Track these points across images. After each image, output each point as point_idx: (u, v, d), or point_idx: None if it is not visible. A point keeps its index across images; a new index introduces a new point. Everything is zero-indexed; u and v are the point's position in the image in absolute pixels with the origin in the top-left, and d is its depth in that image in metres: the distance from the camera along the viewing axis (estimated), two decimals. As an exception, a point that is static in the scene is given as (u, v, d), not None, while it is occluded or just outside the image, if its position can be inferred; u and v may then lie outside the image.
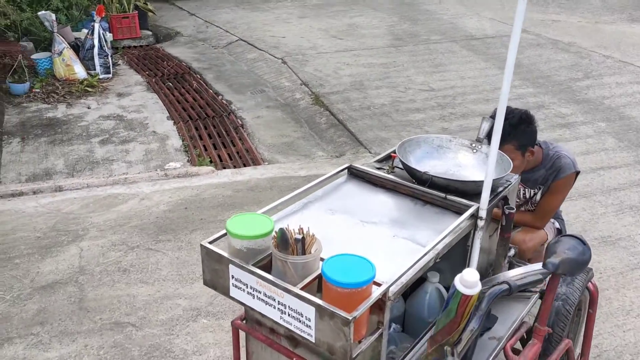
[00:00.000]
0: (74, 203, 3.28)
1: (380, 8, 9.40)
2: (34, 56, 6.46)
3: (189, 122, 5.28)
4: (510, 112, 2.01)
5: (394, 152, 1.74)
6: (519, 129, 2.04)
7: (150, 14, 8.33)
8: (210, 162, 4.43)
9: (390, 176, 1.68)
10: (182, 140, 4.85)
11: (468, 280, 1.20)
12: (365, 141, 4.54)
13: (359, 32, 7.90)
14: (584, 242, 1.58)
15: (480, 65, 6.46)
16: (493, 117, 1.59)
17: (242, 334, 1.45)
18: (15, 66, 6.04)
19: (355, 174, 1.75)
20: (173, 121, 5.29)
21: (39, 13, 6.36)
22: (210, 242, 1.33)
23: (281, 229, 1.25)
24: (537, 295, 1.76)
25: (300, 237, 1.24)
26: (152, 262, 2.74)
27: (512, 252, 1.88)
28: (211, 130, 5.11)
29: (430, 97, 5.51)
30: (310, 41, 7.47)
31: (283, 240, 1.24)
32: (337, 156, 4.36)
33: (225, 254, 1.29)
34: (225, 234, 1.34)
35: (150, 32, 8.09)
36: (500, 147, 1.52)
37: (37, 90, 6.07)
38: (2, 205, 3.25)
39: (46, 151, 4.70)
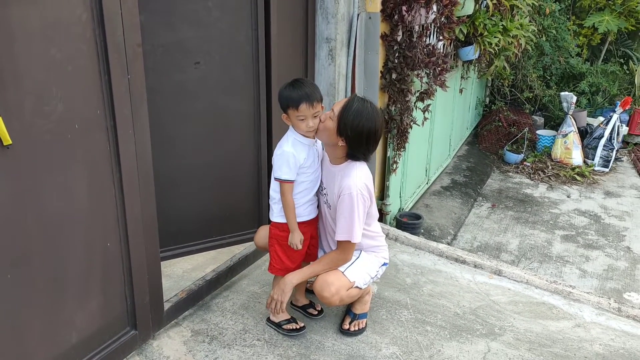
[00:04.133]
0: (505, 294, 3.08)
1: None
2: (539, 132, 6.59)
3: (678, 254, 4.28)
4: None
5: None
6: None
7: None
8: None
9: None
10: (659, 274, 3.96)
11: None
12: None
13: None
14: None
15: None
16: None
17: None
18: (518, 137, 6.30)
19: None
20: (659, 245, 4.40)
21: (562, 93, 6.41)
22: None
23: None
24: None
25: None
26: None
27: None
28: None
29: None
30: None
31: None
32: None
33: None
34: None
35: (673, 135, 7.04)
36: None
37: (528, 164, 6.16)
38: (444, 266, 3.35)
39: (507, 226, 4.68)
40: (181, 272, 3.01)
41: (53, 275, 1.96)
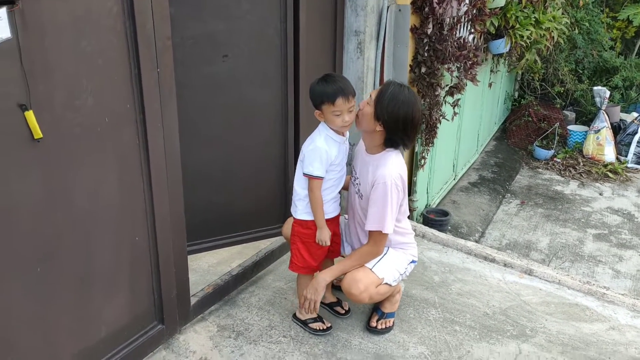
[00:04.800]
0: (536, 294, 3.00)
1: None
2: (570, 127, 6.42)
3: None
4: None
5: None
6: None
7: None
8: None
9: None
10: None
11: None
12: None
13: None
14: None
15: None
16: None
17: None
18: (548, 132, 6.15)
19: None
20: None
21: (595, 88, 6.23)
22: None
23: None
24: None
25: None
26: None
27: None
28: None
29: None
30: None
31: None
32: None
33: None
34: None
35: None
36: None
37: (558, 160, 6.01)
38: (473, 264, 3.28)
39: (537, 223, 4.58)
40: (207, 267, 3.00)
41: (82, 269, 1.96)
